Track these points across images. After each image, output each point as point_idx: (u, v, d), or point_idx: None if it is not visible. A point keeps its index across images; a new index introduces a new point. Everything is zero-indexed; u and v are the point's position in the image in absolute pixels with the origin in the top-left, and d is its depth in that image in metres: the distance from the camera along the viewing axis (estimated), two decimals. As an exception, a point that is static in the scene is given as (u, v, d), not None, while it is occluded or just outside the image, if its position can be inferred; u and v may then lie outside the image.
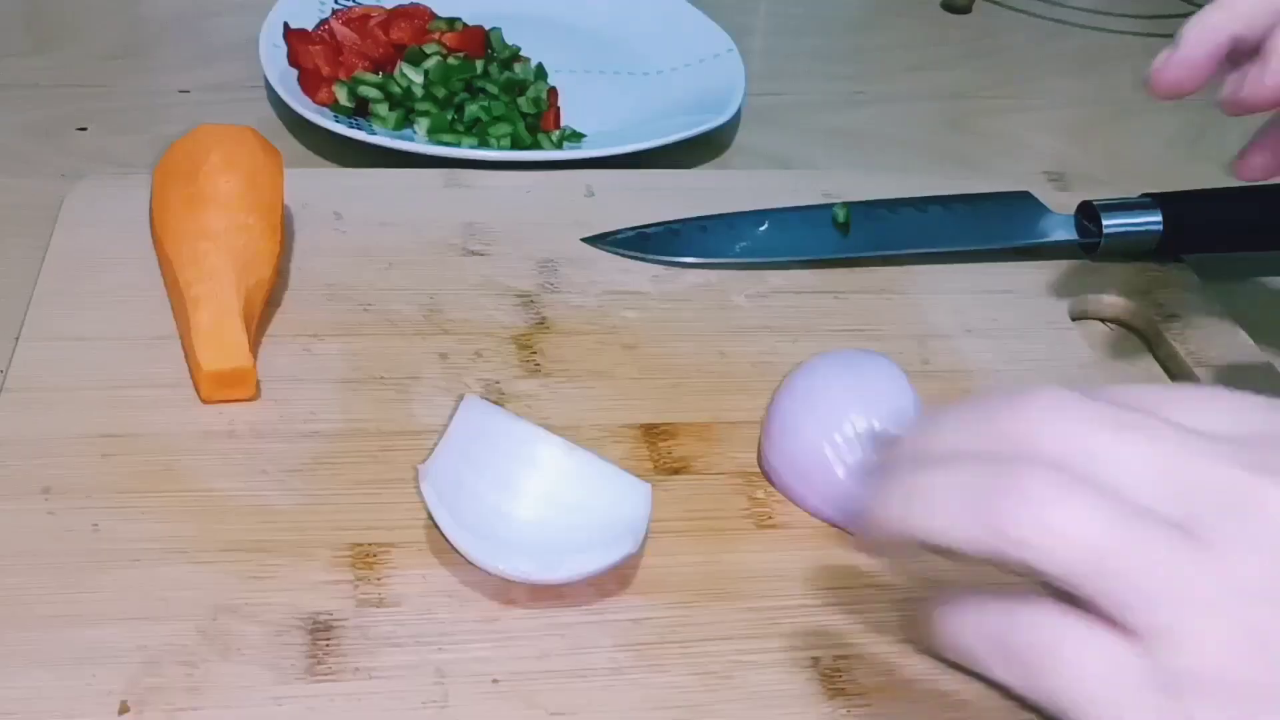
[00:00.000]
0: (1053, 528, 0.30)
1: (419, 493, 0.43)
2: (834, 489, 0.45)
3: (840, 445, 0.44)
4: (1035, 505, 0.30)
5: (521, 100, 0.69)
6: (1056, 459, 0.31)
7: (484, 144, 0.66)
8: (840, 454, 0.45)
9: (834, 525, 0.45)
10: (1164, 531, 0.30)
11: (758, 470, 0.47)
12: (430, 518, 0.42)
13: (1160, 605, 0.29)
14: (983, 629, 0.33)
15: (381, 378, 0.50)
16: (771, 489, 0.46)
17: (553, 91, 0.71)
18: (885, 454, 0.36)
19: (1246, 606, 0.29)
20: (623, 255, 0.58)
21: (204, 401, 0.47)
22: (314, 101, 0.68)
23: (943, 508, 0.32)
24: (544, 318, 0.54)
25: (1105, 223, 0.59)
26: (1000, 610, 0.32)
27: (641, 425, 0.49)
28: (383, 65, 0.71)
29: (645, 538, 0.42)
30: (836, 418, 0.45)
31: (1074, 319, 0.58)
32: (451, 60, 0.70)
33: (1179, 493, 0.30)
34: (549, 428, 0.48)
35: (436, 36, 0.72)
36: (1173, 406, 0.32)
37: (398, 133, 0.67)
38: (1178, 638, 0.29)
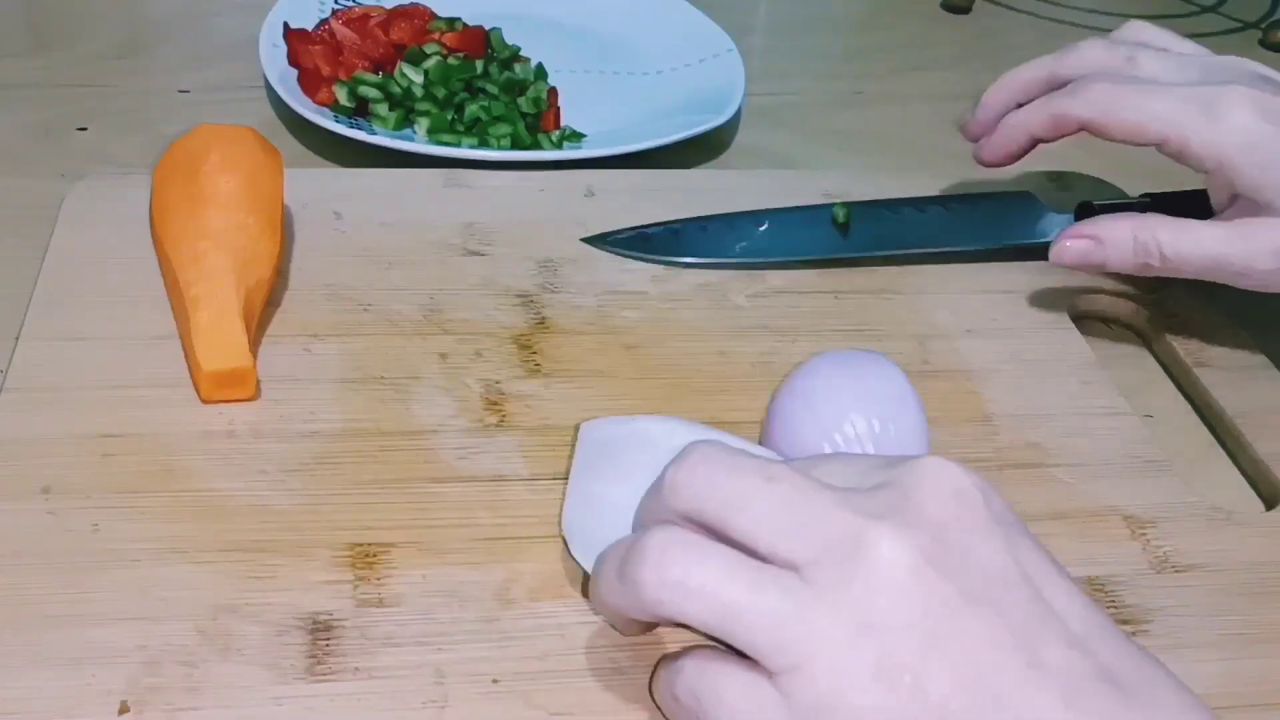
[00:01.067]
0: (674, 584, 0.34)
1: (566, 549, 0.43)
2: None
3: (840, 445, 0.44)
4: (653, 568, 0.34)
5: (521, 100, 0.69)
6: (696, 511, 0.35)
7: (484, 144, 0.66)
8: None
9: None
10: (780, 580, 0.33)
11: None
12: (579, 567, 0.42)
13: (783, 649, 0.33)
14: (667, 684, 0.37)
15: (381, 378, 0.50)
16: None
17: (553, 91, 0.71)
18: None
19: (863, 639, 0.32)
20: (623, 255, 0.58)
21: (204, 401, 0.47)
22: (314, 101, 0.68)
23: (606, 577, 0.37)
24: (544, 318, 0.54)
25: None
26: (675, 666, 0.36)
27: (641, 425, 0.49)
28: (383, 65, 0.71)
29: None
30: (836, 418, 0.44)
31: (1074, 319, 0.58)
32: (451, 60, 0.70)
33: (805, 539, 0.34)
34: (548, 428, 0.48)
35: (436, 36, 0.72)
36: (819, 469, 0.37)
37: (398, 133, 0.67)
38: (804, 675, 0.33)
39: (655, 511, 0.37)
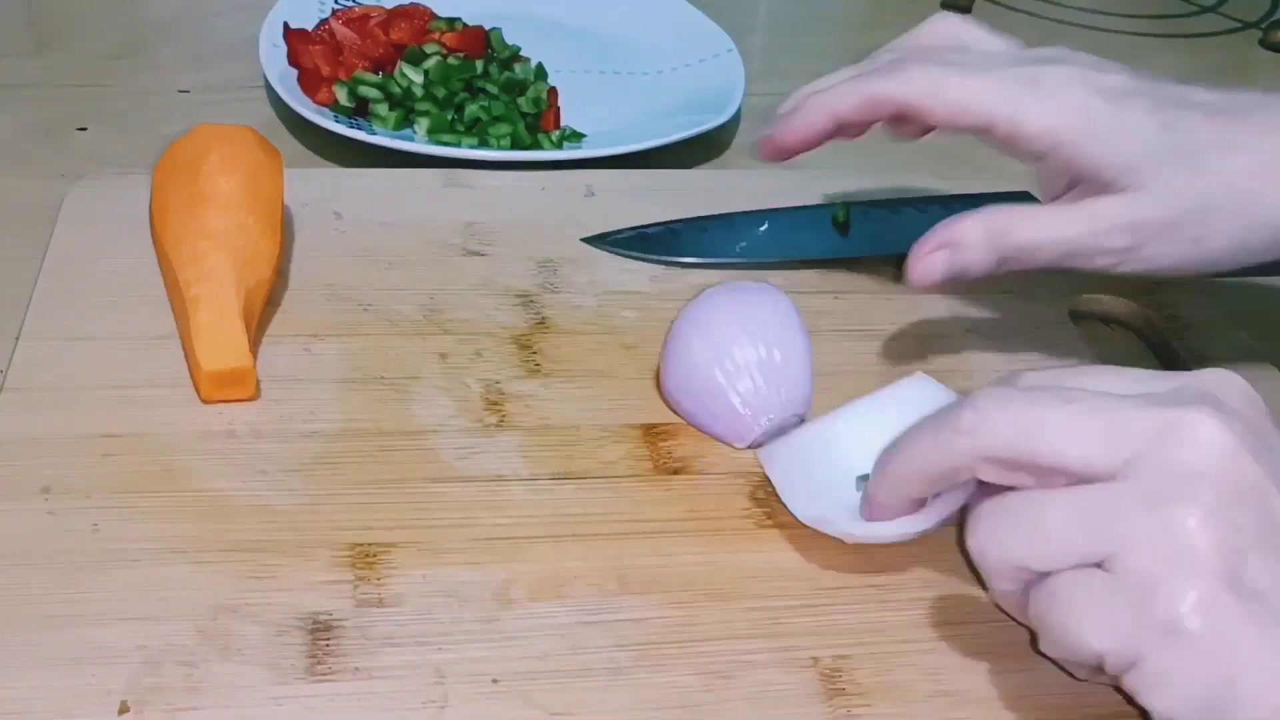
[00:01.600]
0: (1002, 555, 0.38)
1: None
2: (728, 413, 0.47)
3: (730, 370, 0.47)
4: (984, 543, 0.38)
5: (521, 100, 0.69)
6: (999, 447, 0.37)
7: (484, 144, 0.66)
8: (731, 379, 0.47)
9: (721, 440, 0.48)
10: (1089, 493, 0.36)
11: (758, 471, 0.47)
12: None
13: (1099, 540, 0.35)
14: (1019, 591, 0.39)
15: (381, 378, 0.50)
16: (771, 489, 0.46)
17: (553, 91, 0.71)
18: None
19: (1179, 515, 0.34)
20: (623, 255, 0.58)
21: (204, 401, 0.47)
22: (314, 101, 0.68)
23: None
24: (544, 318, 0.54)
25: None
26: (1045, 585, 0.37)
27: (642, 425, 0.49)
28: (383, 65, 0.71)
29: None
30: (726, 342, 0.47)
31: (1074, 319, 0.58)
32: (451, 60, 0.70)
33: (1115, 443, 0.35)
34: (548, 428, 0.48)
35: (436, 36, 0.72)
36: (1090, 379, 0.38)
37: (398, 133, 0.67)
38: (1123, 560, 0.35)
39: (947, 459, 0.39)
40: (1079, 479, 0.36)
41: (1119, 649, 0.35)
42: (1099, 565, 0.35)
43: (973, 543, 0.38)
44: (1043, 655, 0.39)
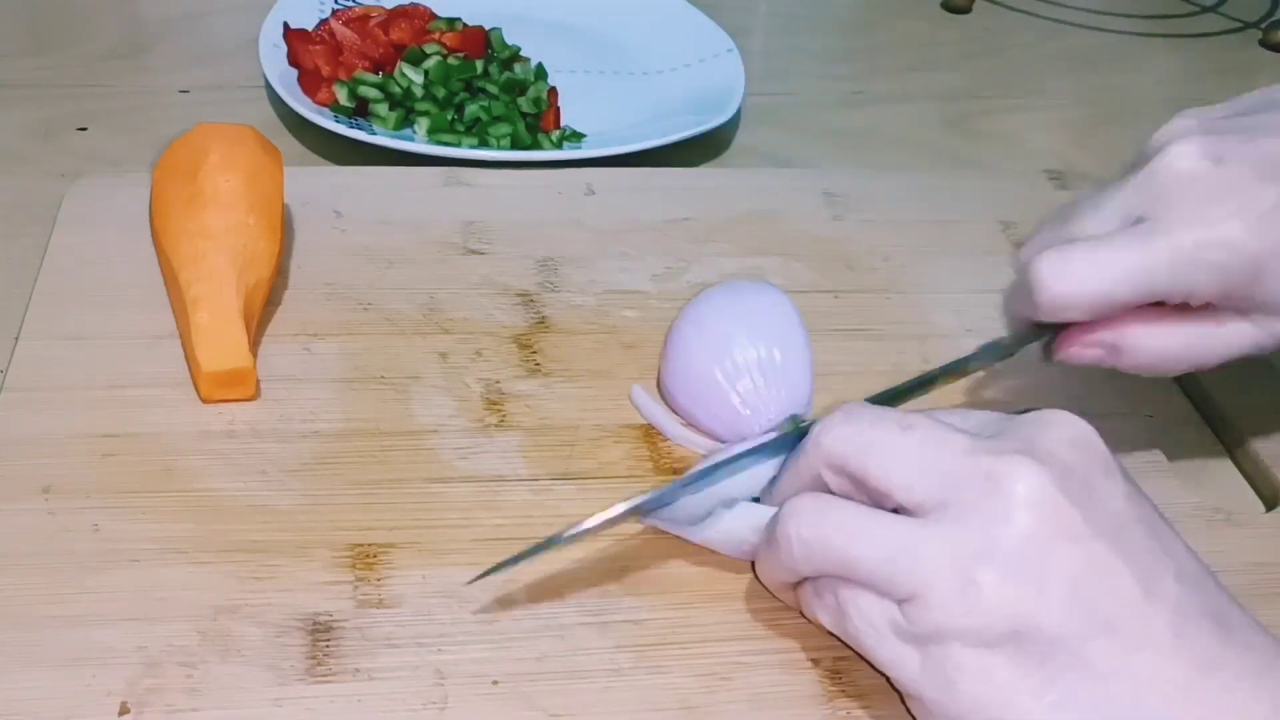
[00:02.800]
0: (806, 541, 0.38)
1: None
2: (728, 413, 0.47)
3: (730, 371, 0.47)
4: (787, 528, 0.38)
5: (521, 100, 0.69)
6: (837, 457, 0.38)
7: (484, 144, 0.66)
8: (731, 380, 0.47)
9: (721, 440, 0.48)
10: (900, 523, 0.37)
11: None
12: None
13: (896, 581, 0.36)
14: (813, 591, 0.40)
15: (381, 377, 0.50)
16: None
17: (553, 91, 0.71)
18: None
19: (982, 566, 0.35)
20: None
21: (204, 401, 0.47)
22: (314, 101, 0.68)
23: (761, 547, 0.41)
24: (544, 317, 0.54)
25: None
26: (820, 583, 0.39)
27: (642, 425, 0.49)
28: (383, 65, 0.71)
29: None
30: (726, 343, 0.48)
31: (1074, 319, 0.57)
32: (451, 60, 0.70)
33: (937, 480, 0.36)
34: (548, 428, 0.48)
35: (436, 36, 0.72)
36: (943, 414, 0.39)
37: (398, 133, 0.67)
38: (922, 603, 0.36)
39: (799, 467, 0.40)
40: (901, 506, 0.37)
41: (904, 678, 0.37)
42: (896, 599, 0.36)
43: (791, 522, 0.38)
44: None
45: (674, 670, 0.40)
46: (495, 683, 0.39)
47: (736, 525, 0.42)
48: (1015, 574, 0.35)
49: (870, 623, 0.37)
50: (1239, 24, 0.93)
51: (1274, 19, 0.94)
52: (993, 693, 0.35)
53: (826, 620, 0.39)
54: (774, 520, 0.39)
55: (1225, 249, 0.40)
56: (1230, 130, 0.43)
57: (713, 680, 0.40)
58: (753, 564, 0.43)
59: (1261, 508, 0.50)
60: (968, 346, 0.54)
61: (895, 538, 0.36)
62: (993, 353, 0.46)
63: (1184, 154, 0.42)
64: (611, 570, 0.43)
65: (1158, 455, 0.50)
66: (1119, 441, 0.50)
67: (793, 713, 0.39)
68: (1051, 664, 0.35)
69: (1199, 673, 0.34)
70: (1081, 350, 0.44)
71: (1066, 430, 0.37)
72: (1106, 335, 0.43)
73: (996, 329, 0.56)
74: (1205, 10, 0.94)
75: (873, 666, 0.39)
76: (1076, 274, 0.41)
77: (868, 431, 0.38)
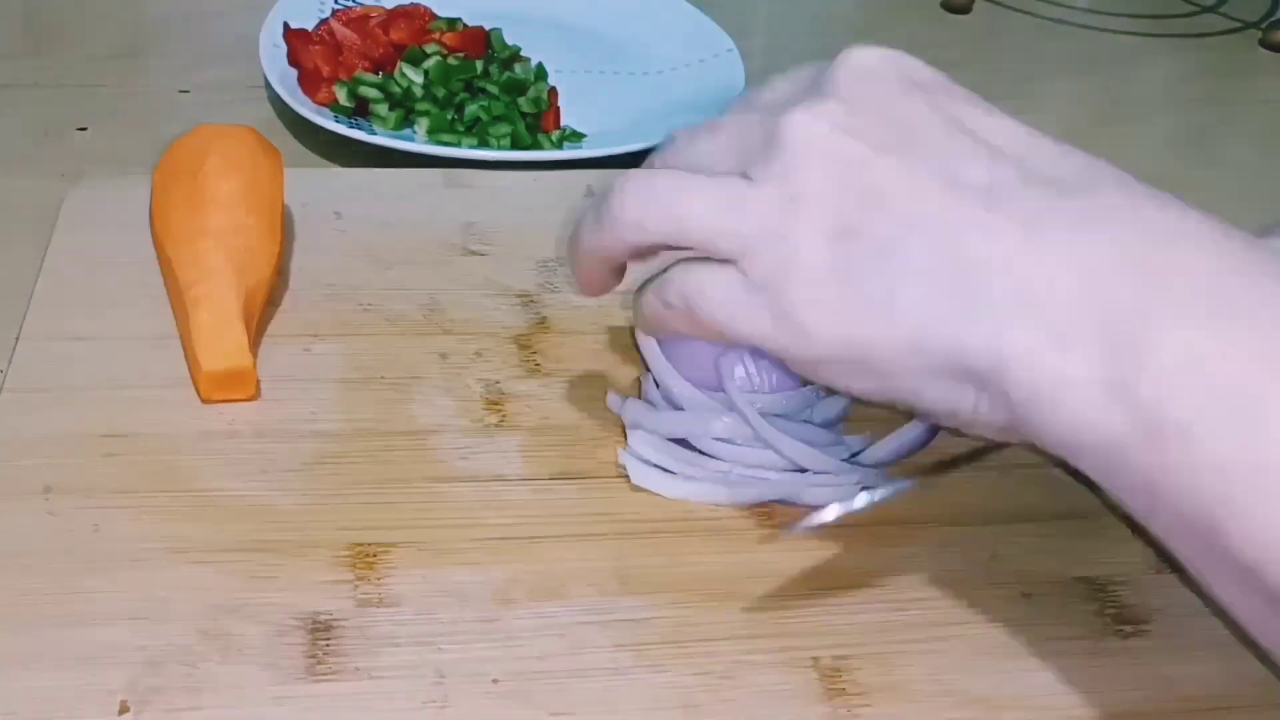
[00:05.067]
0: (639, 204, 0.39)
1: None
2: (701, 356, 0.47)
3: (725, 359, 0.47)
4: (620, 195, 0.40)
5: (521, 100, 0.69)
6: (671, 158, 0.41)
7: (484, 144, 0.66)
8: (727, 368, 0.47)
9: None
10: (723, 183, 0.38)
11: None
12: None
13: (728, 236, 0.37)
14: (656, 295, 0.41)
15: (382, 377, 0.50)
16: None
17: (553, 91, 0.71)
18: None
19: (792, 209, 0.36)
20: None
21: (204, 401, 0.47)
22: (314, 101, 0.68)
23: (586, 224, 0.42)
24: (544, 317, 0.54)
25: None
26: (662, 278, 0.41)
27: (641, 425, 0.49)
28: (383, 65, 0.71)
29: None
30: None
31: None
32: (451, 60, 0.70)
33: (733, 149, 0.38)
34: (548, 428, 0.48)
35: (436, 36, 0.72)
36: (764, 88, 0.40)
37: (398, 133, 0.67)
38: (754, 255, 0.37)
39: (605, 246, 0.41)
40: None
41: (759, 334, 0.38)
42: (729, 262, 0.38)
43: (626, 185, 0.39)
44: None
45: (674, 669, 0.40)
46: (495, 682, 0.39)
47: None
48: (820, 211, 0.36)
49: (720, 296, 0.38)
50: (1239, 24, 0.93)
51: (1274, 19, 0.94)
52: (836, 316, 0.36)
53: (674, 320, 0.41)
54: (600, 197, 0.41)
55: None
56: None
57: (713, 679, 0.40)
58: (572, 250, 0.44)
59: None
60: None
61: (723, 188, 0.37)
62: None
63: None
64: (611, 570, 0.43)
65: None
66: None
67: (793, 712, 0.39)
68: (882, 266, 0.35)
69: (1025, 231, 0.33)
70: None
71: (856, 64, 0.37)
72: None
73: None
74: (1205, 10, 0.94)
75: (872, 667, 0.39)
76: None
77: (684, 147, 0.40)
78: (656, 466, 0.46)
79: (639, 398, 0.48)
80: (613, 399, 0.49)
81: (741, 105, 0.40)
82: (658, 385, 0.48)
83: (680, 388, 0.47)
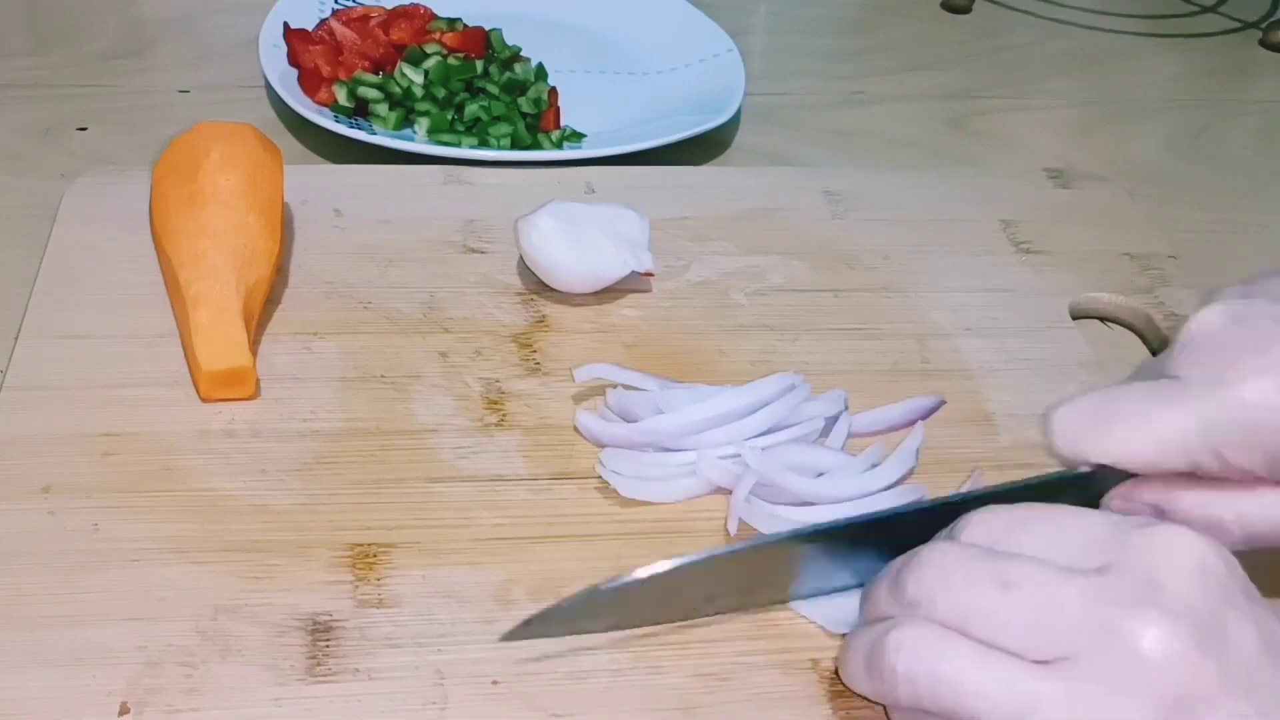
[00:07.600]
0: (921, 678, 0.35)
1: None
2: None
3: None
4: (897, 659, 0.35)
5: (521, 100, 0.69)
6: (955, 620, 0.35)
7: (484, 144, 0.66)
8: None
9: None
10: (1028, 673, 0.34)
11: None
12: None
13: None
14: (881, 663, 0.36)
15: (381, 376, 0.50)
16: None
17: (553, 91, 0.71)
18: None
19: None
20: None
21: (203, 400, 0.47)
22: (314, 101, 0.68)
23: (854, 665, 0.37)
24: (544, 316, 0.54)
25: None
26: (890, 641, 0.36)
27: (641, 425, 0.49)
28: (383, 65, 0.71)
29: None
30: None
31: (1074, 319, 0.57)
32: (451, 60, 0.70)
33: (1053, 638, 0.34)
34: (548, 427, 0.48)
35: (436, 36, 0.72)
36: (1029, 536, 0.36)
37: (398, 133, 0.67)
38: None
39: (889, 607, 0.37)
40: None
41: None
42: None
43: (899, 658, 0.35)
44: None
45: (674, 670, 0.40)
46: (495, 683, 0.39)
47: None
48: None
49: None
50: (1239, 24, 0.93)
51: (1274, 19, 0.94)
52: None
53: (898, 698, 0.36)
54: (870, 640, 0.36)
55: (1255, 407, 0.37)
56: (1255, 295, 0.40)
57: (712, 680, 0.40)
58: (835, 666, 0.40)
59: None
60: (967, 345, 0.55)
61: (1014, 695, 0.34)
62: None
63: (1209, 315, 0.39)
64: (610, 570, 0.43)
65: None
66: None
67: (793, 713, 0.39)
68: None
69: None
70: (1124, 505, 0.40)
71: (1188, 558, 0.34)
72: (1149, 495, 0.40)
73: (996, 329, 0.56)
74: (1205, 10, 0.94)
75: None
76: (1082, 422, 0.39)
77: (962, 595, 0.35)
78: (633, 477, 0.46)
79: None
80: (581, 416, 0.48)
81: (1031, 565, 0.35)
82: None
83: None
